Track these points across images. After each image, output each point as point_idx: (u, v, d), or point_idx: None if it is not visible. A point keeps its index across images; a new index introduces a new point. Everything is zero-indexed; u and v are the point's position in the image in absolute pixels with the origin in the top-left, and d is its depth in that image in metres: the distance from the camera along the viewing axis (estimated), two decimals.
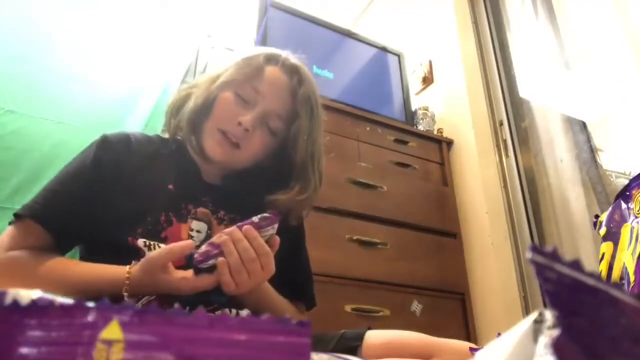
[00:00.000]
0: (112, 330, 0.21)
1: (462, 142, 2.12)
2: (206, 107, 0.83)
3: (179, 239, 0.77)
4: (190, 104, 0.84)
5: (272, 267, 0.70)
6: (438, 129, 2.20)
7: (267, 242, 0.69)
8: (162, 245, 0.74)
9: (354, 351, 0.71)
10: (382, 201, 1.79)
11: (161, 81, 2.20)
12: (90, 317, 0.21)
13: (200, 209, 0.82)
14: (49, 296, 0.23)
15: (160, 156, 0.86)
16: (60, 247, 0.77)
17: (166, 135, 0.91)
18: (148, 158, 0.84)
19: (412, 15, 2.59)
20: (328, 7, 2.69)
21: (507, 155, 2.07)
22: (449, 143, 2.15)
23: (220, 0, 2.39)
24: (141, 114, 2.13)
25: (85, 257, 0.80)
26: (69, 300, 0.22)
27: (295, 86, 0.86)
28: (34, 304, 0.21)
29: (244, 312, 0.76)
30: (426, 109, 2.23)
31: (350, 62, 2.24)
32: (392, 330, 0.75)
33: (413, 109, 2.26)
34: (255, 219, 0.70)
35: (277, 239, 0.71)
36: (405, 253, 1.75)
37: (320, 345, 0.72)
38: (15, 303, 0.21)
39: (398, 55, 2.40)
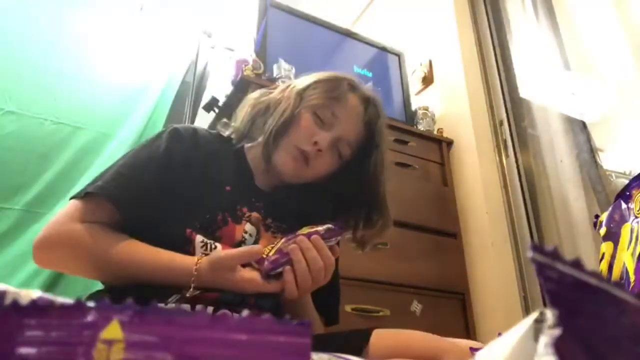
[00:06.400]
0: (113, 330, 0.21)
1: (462, 142, 2.12)
2: (287, 124, 0.86)
3: (233, 239, 0.79)
4: (275, 118, 0.86)
5: (330, 276, 0.72)
6: (438, 129, 2.19)
7: None
8: (218, 245, 0.77)
9: (359, 350, 0.71)
10: None
11: (161, 81, 2.20)
12: (90, 317, 0.21)
13: (254, 214, 0.85)
14: (49, 296, 0.23)
15: (220, 155, 0.88)
16: (126, 230, 0.76)
17: (225, 134, 0.93)
18: (211, 155, 0.86)
19: (412, 15, 2.59)
20: (328, 7, 2.68)
21: (507, 155, 2.07)
22: (449, 143, 2.15)
23: (220, 0, 2.39)
24: (141, 114, 2.13)
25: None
26: (69, 300, 0.22)
27: (371, 117, 0.89)
28: (34, 304, 0.21)
29: (244, 313, 0.76)
30: (426, 109, 2.23)
31: (350, 62, 2.24)
32: (399, 330, 0.75)
33: (413, 109, 2.26)
34: (321, 229, 0.72)
35: (338, 248, 0.74)
36: (405, 253, 1.75)
37: (326, 344, 0.72)
38: (15, 303, 0.21)
39: (398, 55, 2.39)
